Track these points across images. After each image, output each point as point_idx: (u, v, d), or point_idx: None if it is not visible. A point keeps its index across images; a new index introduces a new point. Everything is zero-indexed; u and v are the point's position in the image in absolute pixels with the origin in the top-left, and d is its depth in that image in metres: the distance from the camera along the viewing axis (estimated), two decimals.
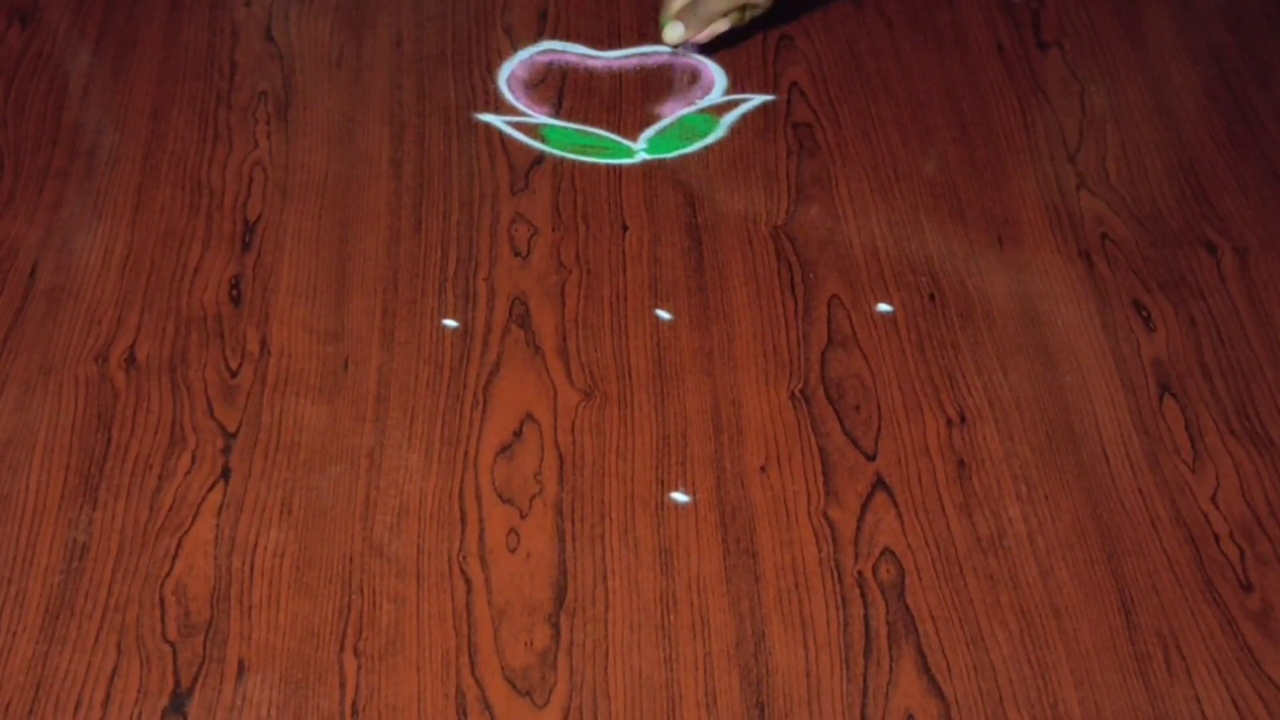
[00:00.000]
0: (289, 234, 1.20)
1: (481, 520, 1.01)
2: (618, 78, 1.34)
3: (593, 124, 1.30)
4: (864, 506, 1.03)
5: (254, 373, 1.10)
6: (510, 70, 1.35)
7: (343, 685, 0.93)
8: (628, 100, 1.32)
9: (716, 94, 1.34)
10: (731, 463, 1.05)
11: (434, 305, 1.15)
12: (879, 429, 1.08)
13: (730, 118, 1.31)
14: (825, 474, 1.05)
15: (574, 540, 1.00)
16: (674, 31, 1.31)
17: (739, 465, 1.05)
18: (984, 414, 1.09)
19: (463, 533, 1.01)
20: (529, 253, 1.19)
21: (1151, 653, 0.95)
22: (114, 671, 0.93)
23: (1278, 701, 0.93)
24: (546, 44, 1.38)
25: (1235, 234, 1.22)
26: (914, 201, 1.24)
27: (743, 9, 1.32)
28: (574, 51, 1.37)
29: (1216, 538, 1.02)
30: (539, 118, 1.31)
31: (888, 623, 0.97)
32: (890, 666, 0.94)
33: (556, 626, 0.96)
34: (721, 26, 1.32)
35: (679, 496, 1.03)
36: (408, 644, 0.95)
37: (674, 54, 1.33)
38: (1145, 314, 1.16)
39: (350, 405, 1.08)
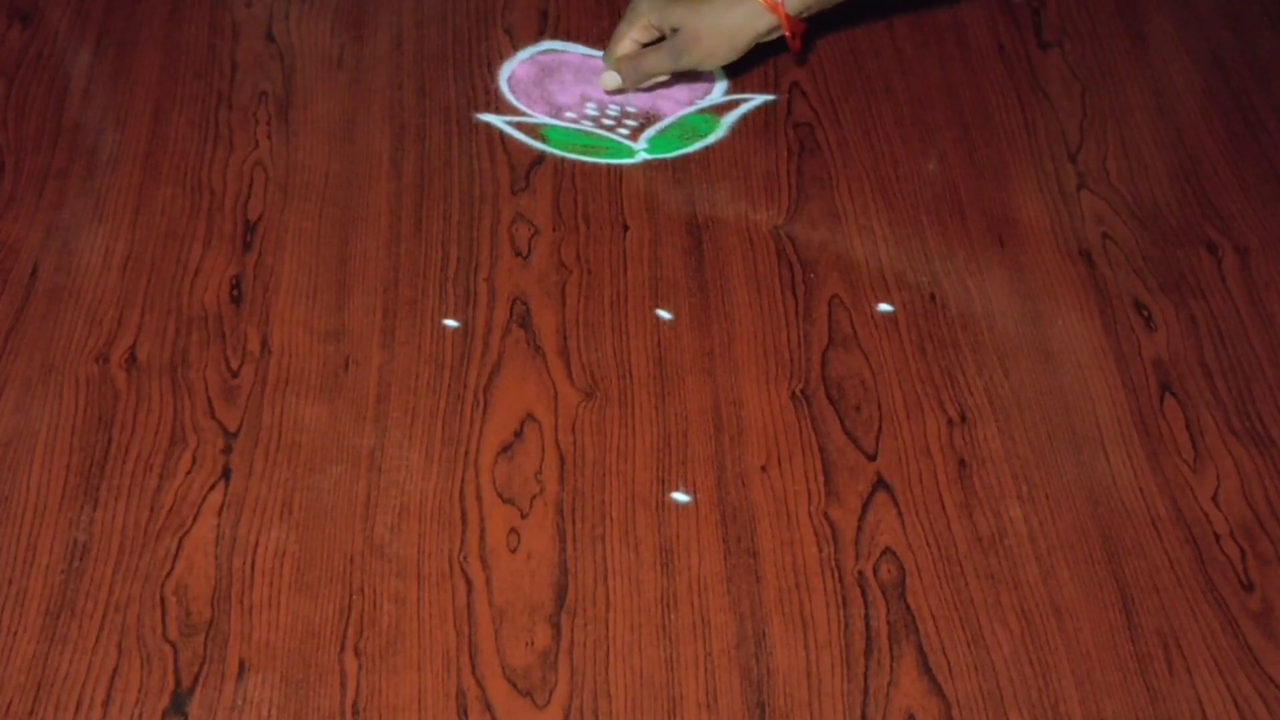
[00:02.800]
0: (289, 234, 1.20)
1: (482, 520, 1.01)
2: None
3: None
4: (864, 506, 1.03)
5: (254, 373, 1.10)
6: (510, 70, 1.35)
7: (343, 685, 0.93)
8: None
9: (716, 94, 1.34)
10: (732, 463, 1.05)
11: (434, 305, 1.15)
12: (879, 429, 1.08)
13: (730, 118, 1.31)
14: (826, 474, 1.05)
15: (574, 540, 1.00)
16: (610, 80, 1.28)
17: (739, 465, 1.05)
18: (984, 414, 1.09)
19: (463, 533, 1.01)
20: (529, 253, 1.19)
21: (1152, 652, 0.95)
22: (114, 671, 0.93)
23: (1278, 701, 0.93)
24: (547, 44, 1.38)
25: (1235, 234, 1.22)
26: (914, 201, 1.24)
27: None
28: (574, 51, 1.37)
29: (1217, 537, 1.02)
30: (539, 118, 1.31)
31: (888, 622, 0.97)
32: (891, 666, 0.94)
33: (557, 626, 0.96)
34: (661, 76, 1.28)
35: (679, 496, 1.03)
36: (408, 644, 0.95)
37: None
38: (1145, 314, 1.16)
39: (350, 405, 1.08)
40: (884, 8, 1.40)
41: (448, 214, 1.22)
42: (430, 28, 1.39)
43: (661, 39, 1.25)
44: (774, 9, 1.18)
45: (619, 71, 1.28)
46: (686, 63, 1.22)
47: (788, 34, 1.20)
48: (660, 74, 1.27)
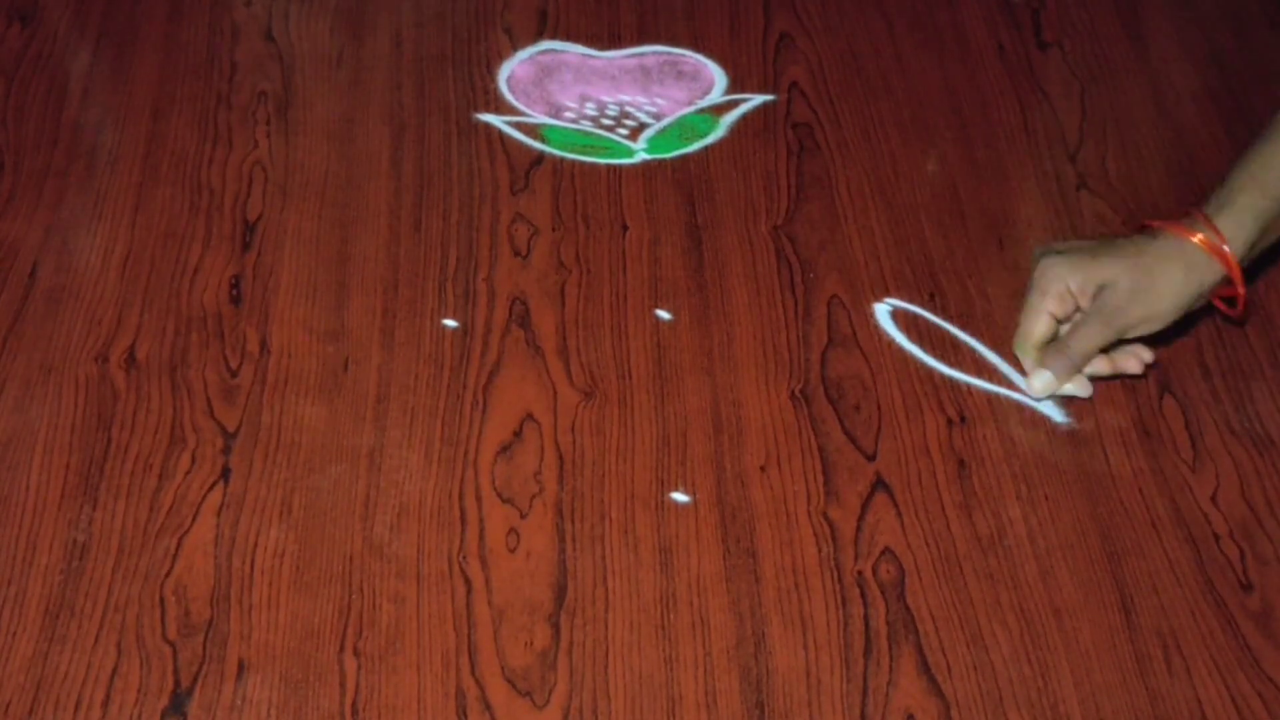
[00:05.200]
0: (289, 234, 1.20)
1: (481, 520, 1.01)
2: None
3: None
4: (864, 506, 1.03)
5: (254, 373, 1.10)
6: (510, 70, 1.35)
7: (343, 685, 0.93)
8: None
9: (716, 94, 1.34)
10: (731, 463, 1.05)
11: (434, 305, 1.15)
12: (879, 429, 1.08)
13: (730, 118, 1.31)
14: (825, 474, 1.05)
15: (574, 540, 1.00)
16: (1042, 383, 1.06)
17: (739, 465, 1.05)
18: (984, 414, 1.09)
19: (463, 533, 1.01)
20: (529, 253, 1.19)
21: (1151, 653, 0.95)
22: (114, 671, 0.93)
23: (1277, 701, 0.93)
24: (546, 44, 1.38)
25: None
26: (914, 201, 1.24)
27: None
28: (574, 51, 1.37)
29: (1216, 538, 1.02)
30: (539, 118, 1.31)
31: (888, 623, 0.96)
32: (890, 666, 0.94)
33: (556, 626, 0.96)
34: (1101, 367, 1.07)
35: (679, 496, 1.03)
36: (408, 644, 0.95)
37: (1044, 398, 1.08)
38: None
39: (350, 405, 1.08)
40: None
41: (447, 214, 1.22)
42: (430, 28, 1.39)
43: (1075, 310, 1.07)
44: (1218, 254, 1.02)
45: (1047, 365, 1.06)
46: (1123, 326, 1.04)
47: (1239, 290, 1.04)
48: (1095, 352, 1.06)
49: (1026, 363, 1.08)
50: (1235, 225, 1.02)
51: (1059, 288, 1.05)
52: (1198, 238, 1.02)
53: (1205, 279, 1.03)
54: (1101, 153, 1.29)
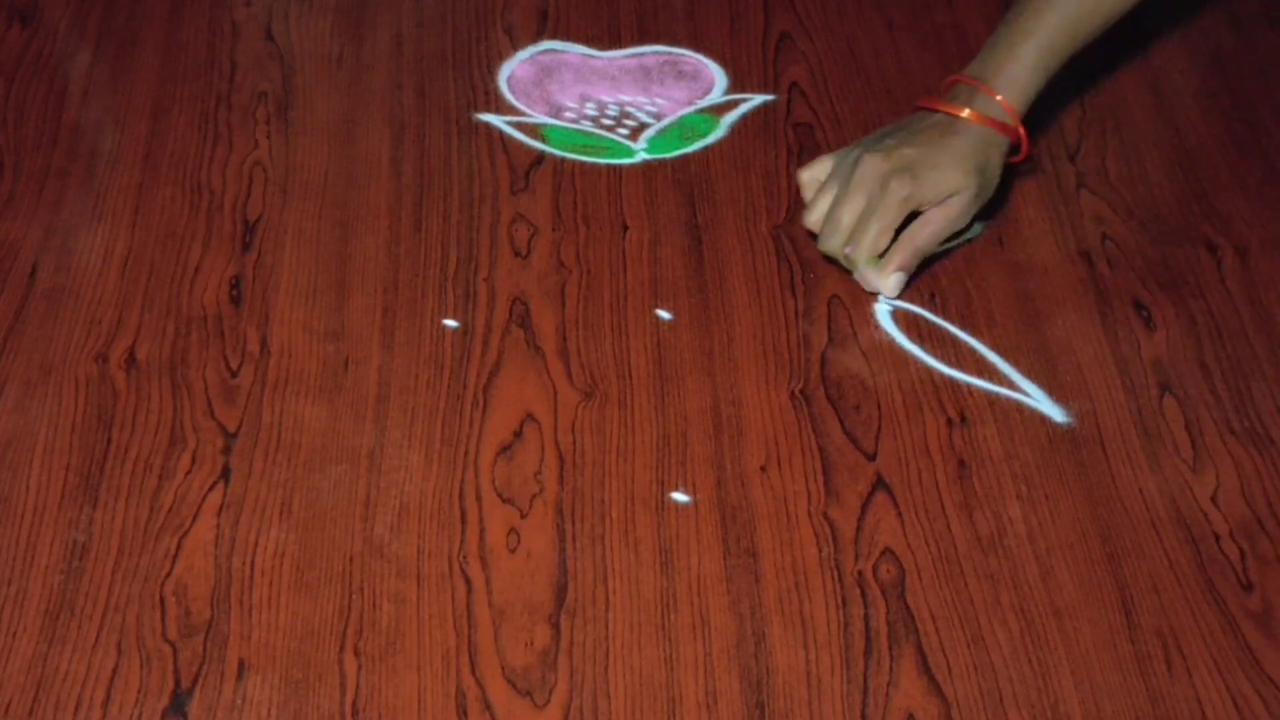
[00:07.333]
0: (289, 234, 1.20)
1: (482, 520, 1.01)
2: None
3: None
4: (864, 506, 1.03)
5: (254, 373, 1.10)
6: (510, 70, 1.35)
7: (343, 685, 0.93)
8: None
9: (716, 94, 1.34)
10: (731, 463, 1.05)
11: (434, 305, 1.15)
12: (879, 429, 1.08)
13: (730, 118, 1.31)
14: (825, 474, 1.05)
15: (574, 540, 1.00)
16: (896, 284, 1.13)
17: (739, 465, 1.05)
18: (984, 414, 1.09)
19: (463, 533, 1.01)
20: (529, 253, 1.19)
21: (1151, 653, 0.95)
22: (114, 671, 0.93)
23: (1278, 701, 0.93)
24: (546, 44, 1.38)
25: (1235, 234, 1.22)
26: None
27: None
28: (574, 51, 1.37)
29: (1216, 538, 1.02)
30: (539, 118, 1.31)
31: (888, 623, 0.96)
32: (890, 666, 0.94)
33: (557, 626, 0.96)
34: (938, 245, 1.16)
35: (679, 496, 1.03)
36: (408, 644, 0.95)
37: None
38: (1145, 314, 1.16)
39: (350, 405, 1.08)
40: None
41: (447, 214, 1.22)
42: (430, 28, 1.39)
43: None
44: (1002, 129, 1.13)
45: (898, 264, 1.13)
46: (962, 224, 1.14)
47: (1025, 148, 1.15)
48: (940, 240, 1.15)
49: (870, 269, 1.13)
50: (1019, 93, 1.14)
51: (903, 206, 1.11)
52: (990, 122, 1.12)
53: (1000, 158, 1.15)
54: (1101, 152, 1.29)
